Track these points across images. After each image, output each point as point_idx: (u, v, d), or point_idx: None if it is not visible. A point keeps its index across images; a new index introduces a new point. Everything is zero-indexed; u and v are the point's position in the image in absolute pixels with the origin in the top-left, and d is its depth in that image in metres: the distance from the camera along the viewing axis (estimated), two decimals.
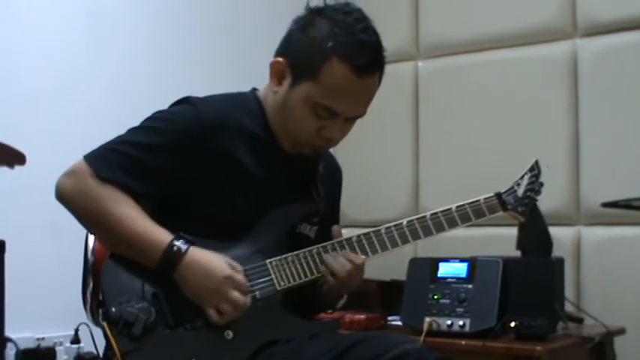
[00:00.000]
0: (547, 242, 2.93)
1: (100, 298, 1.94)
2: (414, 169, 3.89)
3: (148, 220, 1.96)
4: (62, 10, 3.26)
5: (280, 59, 2.05)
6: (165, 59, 3.59)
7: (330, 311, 2.21)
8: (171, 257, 1.92)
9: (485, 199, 2.17)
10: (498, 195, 2.19)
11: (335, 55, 1.96)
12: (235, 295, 1.92)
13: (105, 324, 1.88)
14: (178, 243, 1.93)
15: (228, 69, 3.70)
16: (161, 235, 1.94)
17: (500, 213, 2.19)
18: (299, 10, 2.09)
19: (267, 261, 2.01)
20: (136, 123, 2.07)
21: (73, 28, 3.29)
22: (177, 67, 3.60)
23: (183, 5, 3.72)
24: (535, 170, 2.27)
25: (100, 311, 1.92)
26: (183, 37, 3.68)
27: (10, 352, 2.81)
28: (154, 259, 1.93)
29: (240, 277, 1.95)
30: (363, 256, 2.09)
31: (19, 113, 3.06)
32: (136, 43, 3.50)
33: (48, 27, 3.21)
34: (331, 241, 2.09)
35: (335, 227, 2.13)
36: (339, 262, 2.04)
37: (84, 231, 2.10)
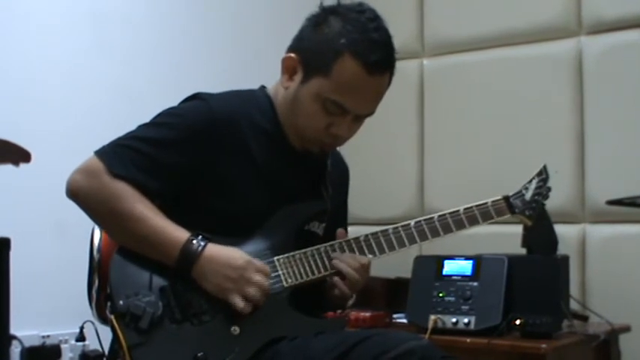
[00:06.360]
0: (552, 240, 2.93)
1: (108, 291, 1.94)
2: (419, 166, 3.89)
3: (164, 218, 1.97)
4: (67, 11, 3.26)
5: (292, 55, 2.06)
6: (170, 59, 3.59)
7: (339, 311, 2.22)
8: (190, 254, 1.93)
9: (493, 201, 2.18)
10: (506, 198, 2.19)
11: (347, 52, 1.97)
12: (259, 277, 1.94)
13: (112, 317, 1.89)
14: (196, 240, 1.95)
15: (233, 69, 3.70)
16: (179, 233, 1.95)
17: (508, 216, 2.19)
18: (304, 11, 2.10)
19: (275, 258, 2.02)
20: (141, 122, 2.07)
21: (78, 29, 3.30)
22: (182, 67, 3.60)
23: (188, 5, 3.73)
24: (543, 175, 2.27)
25: (108, 304, 1.92)
26: (188, 37, 3.68)
27: (16, 349, 2.81)
28: (171, 257, 1.94)
29: (259, 262, 1.97)
30: (370, 256, 2.11)
31: (23, 112, 3.06)
32: (140, 43, 3.50)
33: (52, 27, 3.21)
34: (339, 240, 2.10)
35: (339, 230, 2.14)
36: (348, 263, 2.05)
37: (89, 229, 2.11)
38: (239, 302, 1.92)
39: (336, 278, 2.07)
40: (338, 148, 2.26)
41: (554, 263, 2.88)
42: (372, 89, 2.04)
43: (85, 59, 3.30)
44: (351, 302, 2.23)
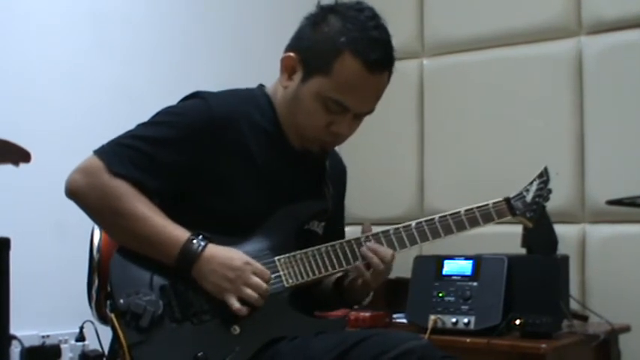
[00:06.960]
0: (552, 240, 2.94)
1: (108, 289, 1.94)
2: (419, 166, 3.89)
3: (164, 217, 1.97)
4: (67, 11, 3.27)
5: (292, 54, 2.06)
6: (170, 59, 3.59)
7: (356, 307, 2.21)
8: (190, 253, 1.93)
9: (494, 203, 2.17)
10: (507, 200, 2.18)
11: (347, 51, 1.97)
12: (256, 279, 1.93)
13: (112, 315, 1.89)
14: (196, 240, 1.94)
15: (233, 69, 3.70)
16: (179, 233, 1.95)
17: (509, 218, 2.19)
18: (304, 11, 2.10)
19: (276, 258, 2.02)
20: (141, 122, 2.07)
21: (78, 29, 3.30)
22: (182, 67, 3.60)
23: (188, 5, 3.73)
24: (544, 177, 2.26)
25: (108, 303, 1.92)
26: (188, 37, 3.68)
27: (15, 349, 2.81)
28: (171, 256, 1.94)
29: (259, 264, 1.97)
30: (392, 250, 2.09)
31: (23, 112, 3.06)
32: (140, 43, 3.51)
33: (52, 27, 3.21)
34: (340, 241, 2.09)
35: (365, 224, 2.13)
36: (376, 252, 2.04)
37: (89, 228, 2.11)
38: (235, 303, 1.92)
39: (359, 264, 2.05)
40: (336, 149, 2.26)
41: (554, 263, 2.88)
42: (373, 87, 2.04)
43: (85, 59, 3.30)
44: (368, 300, 2.23)
